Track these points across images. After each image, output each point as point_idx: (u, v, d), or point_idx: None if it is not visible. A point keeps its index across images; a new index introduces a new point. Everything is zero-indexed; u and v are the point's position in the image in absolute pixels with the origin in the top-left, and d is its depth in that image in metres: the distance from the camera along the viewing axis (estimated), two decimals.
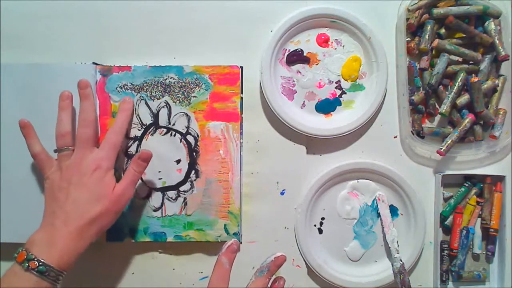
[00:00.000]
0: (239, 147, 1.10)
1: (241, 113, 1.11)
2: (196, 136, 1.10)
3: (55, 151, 1.01)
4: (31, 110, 1.07)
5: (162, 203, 1.10)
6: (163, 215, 1.10)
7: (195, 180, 1.10)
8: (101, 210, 0.96)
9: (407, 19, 1.11)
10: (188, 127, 1.10)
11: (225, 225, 1.10)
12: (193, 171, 1.10)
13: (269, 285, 0.93)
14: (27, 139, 1.03)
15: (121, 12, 1.14)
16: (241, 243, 1.12)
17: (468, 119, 1.10)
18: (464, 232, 1.14)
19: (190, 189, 1.10)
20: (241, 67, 1.11)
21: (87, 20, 1.14)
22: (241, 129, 1.11)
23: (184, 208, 1.10)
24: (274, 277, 0.94)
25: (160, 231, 1.10)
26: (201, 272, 1.14)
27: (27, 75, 1.08)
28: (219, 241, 1.10)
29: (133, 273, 1.14)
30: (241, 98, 1.10)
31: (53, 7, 1.14)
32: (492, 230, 1.14)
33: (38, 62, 1.10)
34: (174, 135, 1.10)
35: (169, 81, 1.09)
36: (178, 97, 1.09)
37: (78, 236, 0.94)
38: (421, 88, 1.14)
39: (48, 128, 1.04)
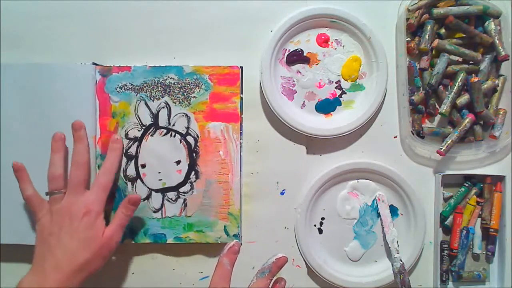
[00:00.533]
0: (239, 147, 1.10)
1: (241, 113, 1.10)
2: (196, 136, 1.09)
3: (47, 193, 1.01)
4: (31, 110, 1.08)
5: (162, 204, 1.10)
6: (163, 216, 1.10)
7: (195, 181, 1.10)
8: (90, 255, 0.97)
9: (407, 19, 1.11)
10: (188, 128, 1.09)
11: (225, 226, 1.10)
12: (193, 172, 1.10)
13: (270, 286, 0.93)
14: (20, 182, 1.03)
15: (120, 12, 1.14)
16: (241, 244, 1.12)
17: (468, 119, 1.10)
18: (464, 232, 1.14)
19: (190, 190, 1.10)
20: (241, 67, 1.11)
21: (86, 20, 1.14)
22: (241, 129, 1.10)
23: (184, 209, 1.10)
24: (275, 278, 0.95)
25: (160, 232, 1.10)
26: (201, 272, 1.14)
27: (27, 75, 1.08)
28: (219, 242, 1.10)
29: (133, 273, 1.14)
30: (241, 98, 1.10)
31: (53, 7, 1.14)
32: (492, 230, 1.14)
33: (38, 62, 1.10)
34: (174, 136, 1.10)
35: (169, 82, 1.09)
36: (178, 97, 1.09)
37: (67, 282, 0.94)
38: (421, 88, 1.14)
39: (47, 129, 1.05)
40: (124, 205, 1.03)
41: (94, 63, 1.10)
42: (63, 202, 0.99)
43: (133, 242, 1.10)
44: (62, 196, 1.00)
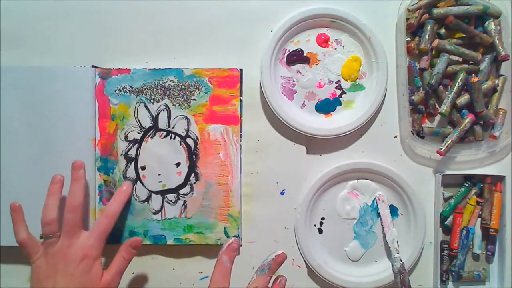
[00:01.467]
0: (239, 150, 1.10)
1: (241, 116, 1.11)
2: (195, 139, 1.10)
3: (41, 237, 0.99)
4: (31, 113, 1.08)
5: (162, 206, 1.10)
6: (163, 218, 1.10)
7: (194, 183, 1.10)
8: None
9: (407, 19, 1.11)
10: (187, 130, 1.09)
11: (225, 228, 1.10)
12: (193, 174, 1.10)
13: (270, 284, 0.94)
14: (14, 224, 1.00)
15: (120, 12, 1.14)
16: (241, 245, 1.12)
17: (468, 119, 1.10)
18: (464, 232, 1.14)
19: (189, 192, 1.10)
20: (241, 70, 1.11)
21: (86, 20, 1.14)
22: (241, 131, 1.11)
23: (184, 211, 1.10)
24: (275, 275, 0.95)
25: (160, 234, 1.10)
26: (201, 272, 1.14)
27: (27, 78, 1.08)
28: (219, 244, 1.10)
29: (133, 273, 1.14)
30: (241, 101, 1.10)
31: (53, 8, 1.14)
32: (492, 230, 1.14)
33: (38, 65, 1.10)
34: (174, 138, 1.10)
35: (169, 84, 1.09)
36: (177, 100, 1.09)
37: None
38: (421, 88, 1.14)
39: (47, 131, 1.07)
40: (125, 249, 1.02)
41: (93, 66, 1.10)
42: (58, 244, 0.97)
43: None
44: (57, 240, 0.98)
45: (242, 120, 1.11)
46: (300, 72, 1.14)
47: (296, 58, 1.14)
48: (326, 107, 1.15)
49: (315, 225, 1.16)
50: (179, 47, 1.15)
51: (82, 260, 0.96)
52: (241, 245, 1.12)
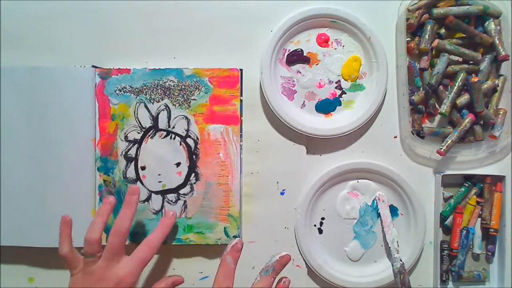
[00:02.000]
0: (239, 150, 1.10)
1: (241, 115, 1.10)
2: (195, 139, 1.09)
3: (82, 254, 0.98)
4: (31, 113, 1.08)
5: (162, 206, 1.10)
6: None
7: (195, 183, 1.10)
8: None
9: (407, 19, 1.11)
10: (187, 130, 1.09)
11: (225, 228, 1.10)
12: (193, 174, 1.10)
13: (274, 285, 0.94)
14: (60, 236, 0.99)
15: (120, 12, 1.15)
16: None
17: (468, 119, 1.10)
18: (464, 232, 1.14)
19: (190, 192, 1.10)
20: (241, 70, 1.11)
21: (86, 20, 1.14)
22: (241, 131, 1.11)
23: (184, 211, 1.10)
24: (278, 277, 0.95)
25: None
26: (201, 272, 1.14)
27: (27, 78, 1.08)
28: (219, 244, 1.10)
29: None
30: (241, 101, 1.10)
31: (53, 8, 1.14)
32: (492, 230, 1.14)
33: (38, 65, 1.10)
34: (174, 138, 1.10)
35: (169, 84, 1.09)
36: (177, 100, 1.09)
37: None
38: (421, 88, 1.14)
39: (47, 131, 1.07)
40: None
41: (93, 66, 1.10)
42: (97, 265, 0.96)
43: (134, 243, 1.09)
44: (96, 260, 0.96)
45: (242, 120, 1.10)
46: (300, 72, 1.14)
47: (296, 58, 1.14)
48: (326, 107, 1.15)
49: (315, 225, 1.16)
50: (179, 47, 1.15)
51: (116, 285, 0.95)
52: None
